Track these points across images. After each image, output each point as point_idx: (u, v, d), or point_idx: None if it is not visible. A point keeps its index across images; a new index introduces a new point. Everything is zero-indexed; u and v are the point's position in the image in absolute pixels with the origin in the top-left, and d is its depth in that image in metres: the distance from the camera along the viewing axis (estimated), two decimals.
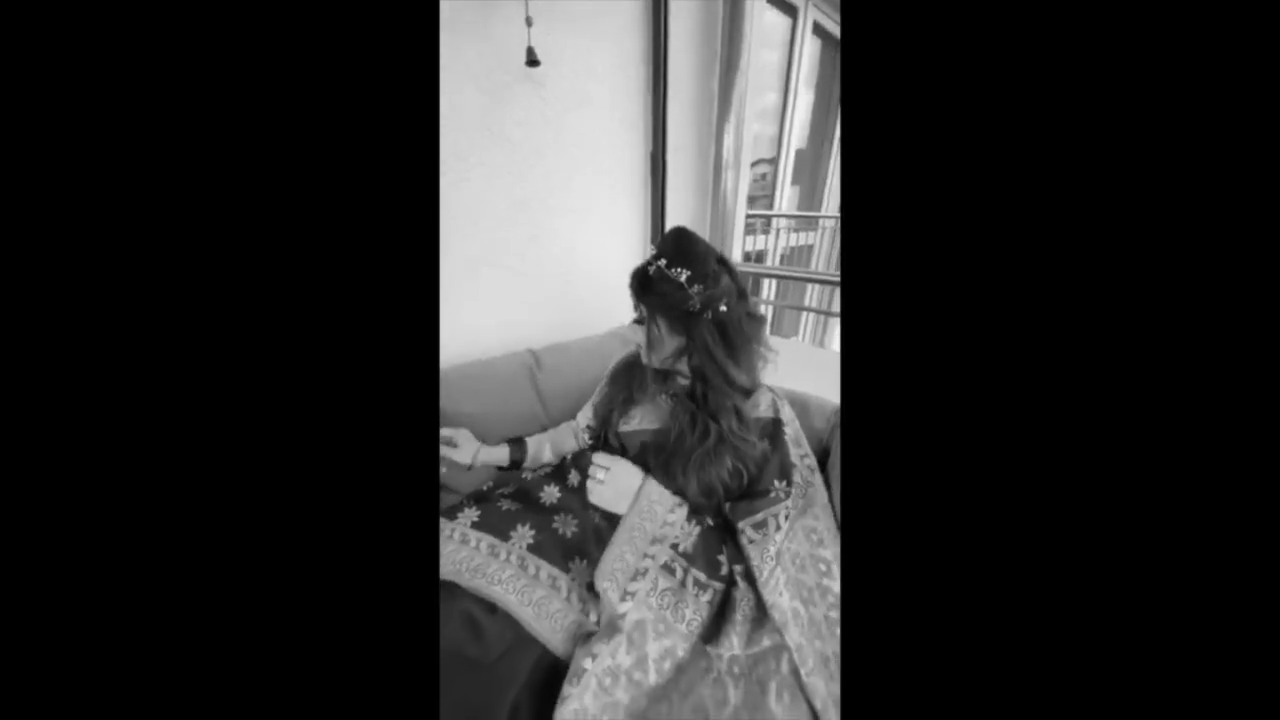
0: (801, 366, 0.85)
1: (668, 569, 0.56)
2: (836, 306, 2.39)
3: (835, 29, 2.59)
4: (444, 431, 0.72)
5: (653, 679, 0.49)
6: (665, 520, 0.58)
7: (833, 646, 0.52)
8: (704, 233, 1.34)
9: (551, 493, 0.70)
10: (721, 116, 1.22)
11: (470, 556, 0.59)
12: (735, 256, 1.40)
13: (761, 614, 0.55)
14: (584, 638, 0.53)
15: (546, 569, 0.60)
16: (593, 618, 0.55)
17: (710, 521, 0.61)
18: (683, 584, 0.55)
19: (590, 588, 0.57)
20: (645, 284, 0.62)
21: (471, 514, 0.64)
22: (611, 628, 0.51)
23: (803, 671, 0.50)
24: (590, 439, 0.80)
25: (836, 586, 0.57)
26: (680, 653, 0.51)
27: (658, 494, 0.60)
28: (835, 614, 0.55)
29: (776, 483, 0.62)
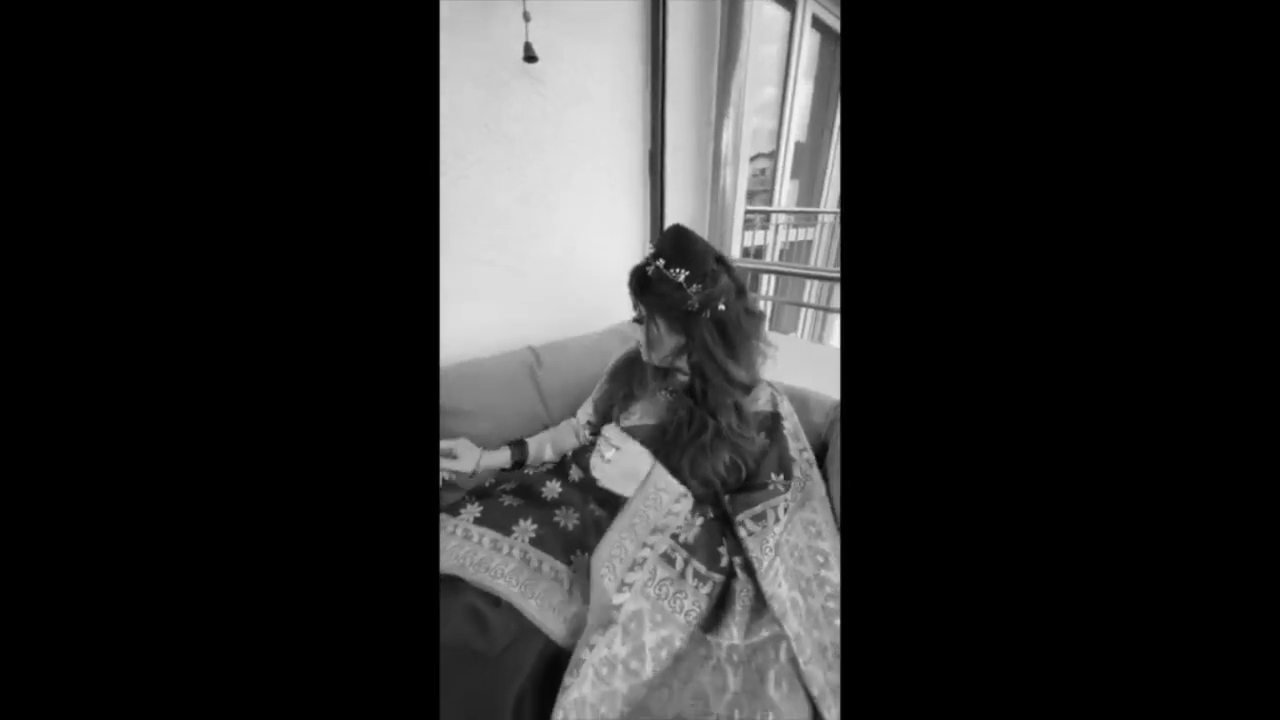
0: (800, 362, 0.86)
1: (667, 559, 0.56)
2: (835, 302, 2.40)
3: (833, 22, 2.57)
4: (444, 444, 0.73)
5: (650, 668, 0.50)
6: (670, 510, 0.58)
7: (830, 636, 0.53)
8: (703, 229, 1.35)
9: (553, 488, 0.71)
10: (720, 111, 1.22)
11: (473, 551, 0.60)
12: (734, 253, 1.40)
13: (760, 605, 0.56)
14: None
15: (549, 562, 0.61)
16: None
17: (711, 513, 0.62)
18: (682, 575, 0.56)
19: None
20: (644, 284, 0.63)
21: (474, 510, 0.65)
22: (607, 618, 0.51)
23: (800, 660, 0.51)
24: (591, 435, 0.81)
25: (834, 577, 0.58)
26: (678, 643, 0.52)
27: (665, 482, 0.59)
28: (832, 604, 0.56)
29: (774, 476, 0.63)
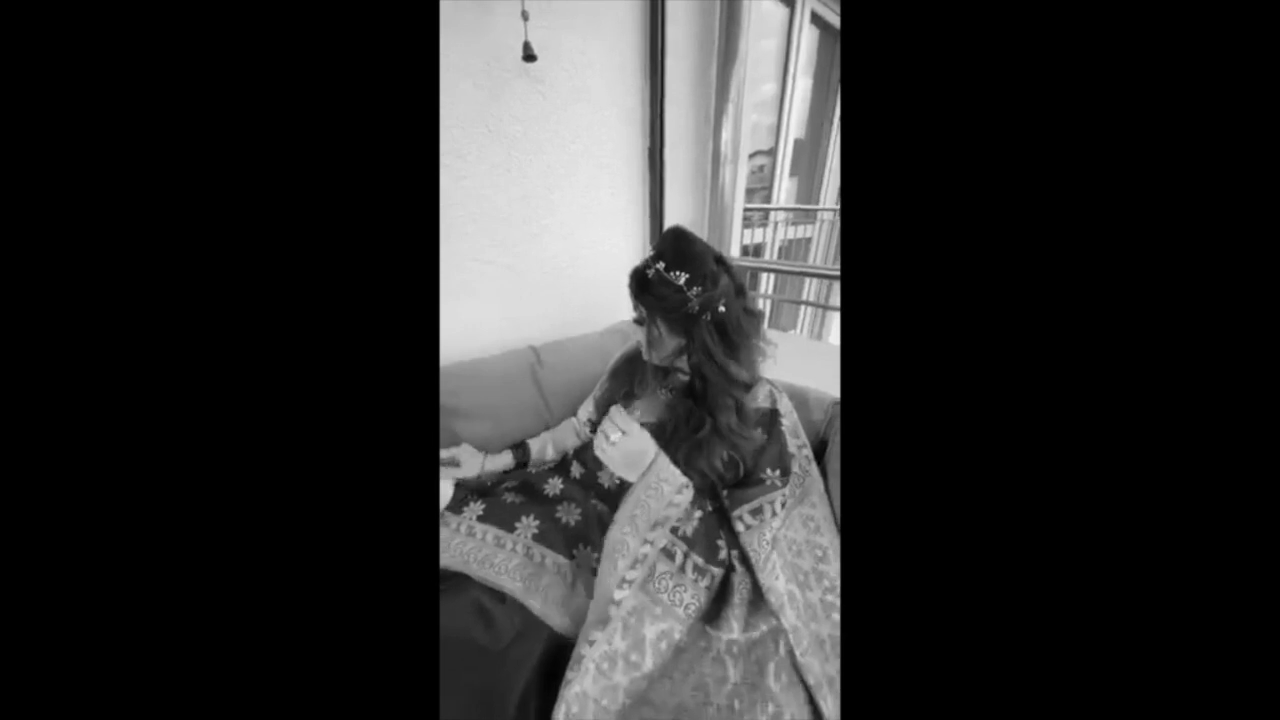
0: (800, 360, 0.87)
1: (667, 553, 0.57)
2: (834, 300, 2.40)
3: (832, 18, 2.56)
4: (444, 453, 0.73)
5: (650, 661, 0.50)
6: (671, 501, 0.58)
7: (828, 629, 0.54)
8: (702, 227, 1.35)
9: (555, 484, 0.72)
10: (720, 108, 1.22)
11: (477, 548, 0.61)
12: (733, 251, 1.41)
13: (758, 598, 0.57)
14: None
15: (552, 557, 0.61)
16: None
17: (710, 506, 0.62)
18: (681, 569, 0.56)
19: (594, 574, 0.58)
20: (644, 286, 0.63)
21: (477, 508, 0.66)
22: (607, 615, 0.52)
23: (797, 651, 0.52)
24: (592, 433, 0.82)
25: (832, 571, 0.59)
26: (677, 635, 0.53)
27: (668, 473, 0.59)
28: (831, 598, 0.56)
29: (770, 471, 0.63)
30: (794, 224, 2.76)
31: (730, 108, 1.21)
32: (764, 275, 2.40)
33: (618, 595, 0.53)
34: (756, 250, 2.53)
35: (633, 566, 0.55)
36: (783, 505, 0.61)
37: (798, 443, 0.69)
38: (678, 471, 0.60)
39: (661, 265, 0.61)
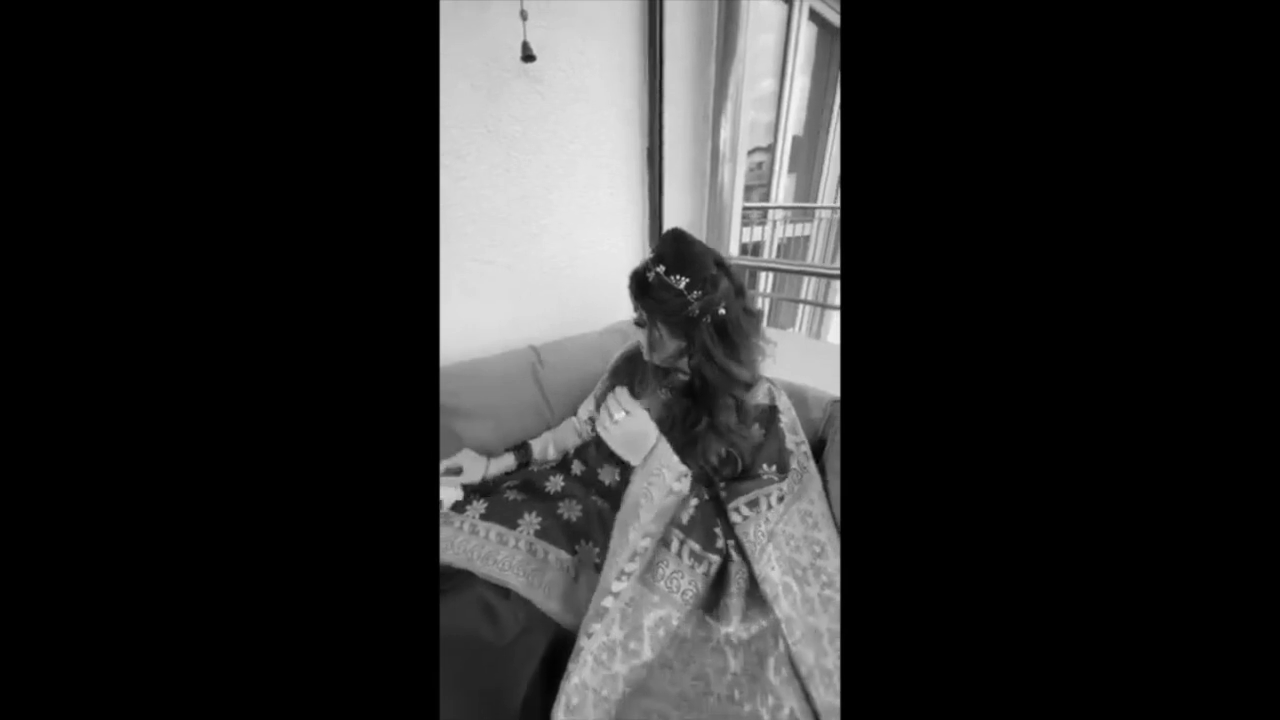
0: (798, 358, 0.88)
1: (664, 541, 0.57)
2: (832, 298, 2.41)
3: (831, 15, 2.56)
4: (446, 462, 0.74)
5: (648, 648, 0.51)
6: (671, 489, 0.58)
7: (824, 622, 0.55)
8: (701, 227, 1.35)
9: (556, 482, 0.73)
10: (718, 107, 1.22)
11: (481, 545, 0.62)
12: (732, 250, 1.41)
13: (755, 588, 0.57)
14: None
15: (554, 553, 0.62)
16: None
17: (706, 495, 0.63)
18: (678, 555, 0.57)
19: (597, 568, 0.59)
20: (644, 289, 0.63)
21: (480, 506, 0.67)
22: (605, 607, 0.53)
23: (789, 641, 0.53)
24: (592, 432, 0.82)
25: (829, 566, 0.60)
26: (674, 622, 0.54)
27: (668, 460, 0.60)
28: (829, 592, 0.58)
29: (767, 467, 0.64)
30: (792, 222, 2.76)
31: (729, 106, 1.21)
32: (762, 274, 2.40)
33: (615, 587, 0.54)
34: (755, 249, 2.53)
35: (631, 559, 0.56)
36: (779, 499, 0.62)
37: (796, 439, 0.70)
38: (677, 459, 0.60)
39: (662, 269, 0.61)
